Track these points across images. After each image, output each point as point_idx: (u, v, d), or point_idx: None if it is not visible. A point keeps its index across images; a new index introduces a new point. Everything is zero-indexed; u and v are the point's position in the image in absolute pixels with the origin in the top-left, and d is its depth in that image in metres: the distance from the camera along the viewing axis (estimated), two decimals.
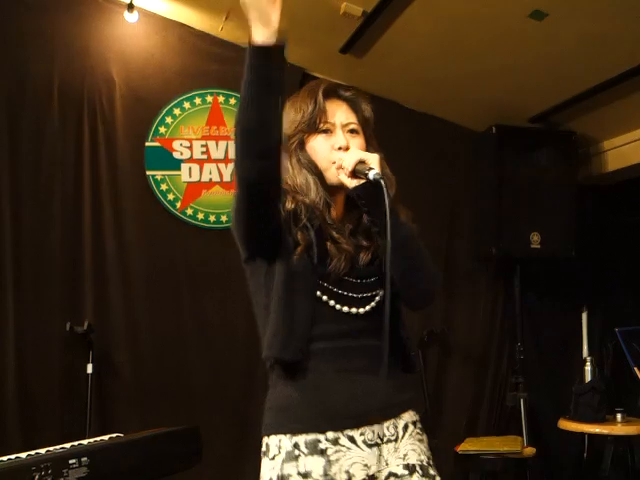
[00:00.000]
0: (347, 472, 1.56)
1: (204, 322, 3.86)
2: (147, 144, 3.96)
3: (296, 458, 1.55)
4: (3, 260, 3.58)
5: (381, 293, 1.66)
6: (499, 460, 3.66)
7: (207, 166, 4.03)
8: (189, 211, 3.95)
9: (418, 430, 1.71)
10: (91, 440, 2.47)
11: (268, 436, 1.61)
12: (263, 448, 1.62)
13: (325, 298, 1.60)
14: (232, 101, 4.09)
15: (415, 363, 1.76)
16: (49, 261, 3.69)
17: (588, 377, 3.85)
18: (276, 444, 1.59)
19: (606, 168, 4.25)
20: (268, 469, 1.59)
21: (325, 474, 1.54)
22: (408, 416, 1.70)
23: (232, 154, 4.06)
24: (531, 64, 3.59)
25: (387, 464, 1.63)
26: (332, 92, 1.71)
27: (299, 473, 1.54)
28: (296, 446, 1.56)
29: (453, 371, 4.39)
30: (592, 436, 3.81)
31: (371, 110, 1.75)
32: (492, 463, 3.66)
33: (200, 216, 3.96)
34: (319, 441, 1.56)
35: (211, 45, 4.01)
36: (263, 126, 1.43)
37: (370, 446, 1.60)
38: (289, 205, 1.61)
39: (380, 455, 1.62)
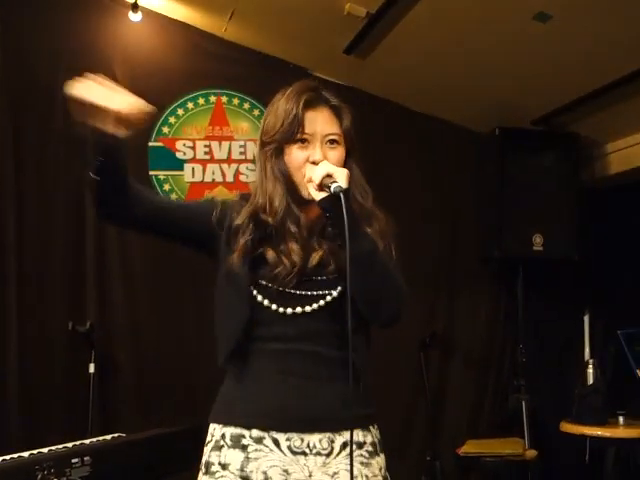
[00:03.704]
0: (264, 473, 1.57)
1: (207, 322, 3.84)
2: (150, 144, 3.96)
3: (220, 448, 1.62)
4: (6, 259, 3.59)
5: (334, 293, 1.62)
6: (501, 462, 3.66)
7: (210, 166, 4.03)
8: None
9: (363, 452, 1.64)
10: (93, 440, 2.47)
11: (210, 423, 1.69)
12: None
13: (267, 302, 1.61)
14: (235, 101, 4.10)
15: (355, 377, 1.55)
16: (52, 260, 3.69)
17: (590, 379, 3.84)
18: (211, 432, 1.67)
19: (609, 170, 4.24)
20: (203, 454, 1.66)
21: (242, 469, 1.58)
22: (353, 435, 1.58)
23: (235, 155, 4.07)
24: (535, 66, 3.58)
25: (310, 476, 1.59)
26: (316, 99, 1.68)
27: (220, 463, 1.60)
28: (223, 437, 1.62)
29: (455, 373, 4.38)
30: (594, 439, 3.81)
31: (353, 119, 1.72)
32: (493, 465, 3.66)
33: None
34: (243, 436, 1.60)
35: (215, 45, 4.02)
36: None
37: (295, 453, 1.59)
38: (239, 220, 1.66)
39: (305, 465, 1.59)
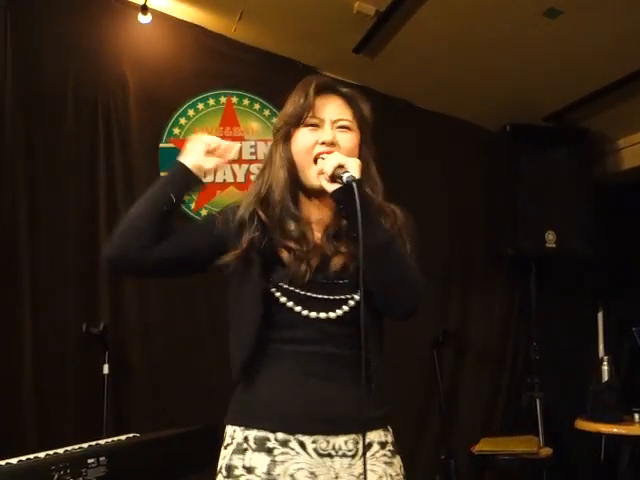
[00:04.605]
0: (292, 476, 1.55)
1: (219, 322, 3.84)
2: (161, 145, 3.97)
3: (243, 451, 1.58)
4: (20, 261, 3.60)
5: (356, 297, 1.60)
6: (515, 460, 3.65)
7: None
8: (203, 212, 3.96)
9: (386, 452, 1.64)
10: (108, 440, 2.47)
11: (227, 425, 1.65)
12: (224, 436, 1.66)
13: (291, 304, 1.59)
14: (245, 102, 4.10)
15: (374, 378, 1.59)
16: (65, 262, 3.71)
17: (605, 377, 3.82)
18: (230, 434, 1.63)
19: (622, 166, 4.22)
20: (221, 457, 1.63)
21: (268, 473, 1.54)
22: (376, 435, 1.63)
23: (246, 155, 4.07)
24: (545, 62, 3.57)
25: (337, 478, 1.57)
26: (327, 87, 1.69)
27: (244, 466, 1.57)
28: (246, 440, 1.58)
29: (468, 371, 4.37)
30: (609, 436, 3.78)
31: (369, 109, 1.71)
32: (508, 463, 3.65)
33: None
34: (268, 439, 1.57)
35: (224, 46, 4.03)
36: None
37: (321, 455, 1.57)
38: (242, 211, 1.64)
39: (331, 467, 1.57)
